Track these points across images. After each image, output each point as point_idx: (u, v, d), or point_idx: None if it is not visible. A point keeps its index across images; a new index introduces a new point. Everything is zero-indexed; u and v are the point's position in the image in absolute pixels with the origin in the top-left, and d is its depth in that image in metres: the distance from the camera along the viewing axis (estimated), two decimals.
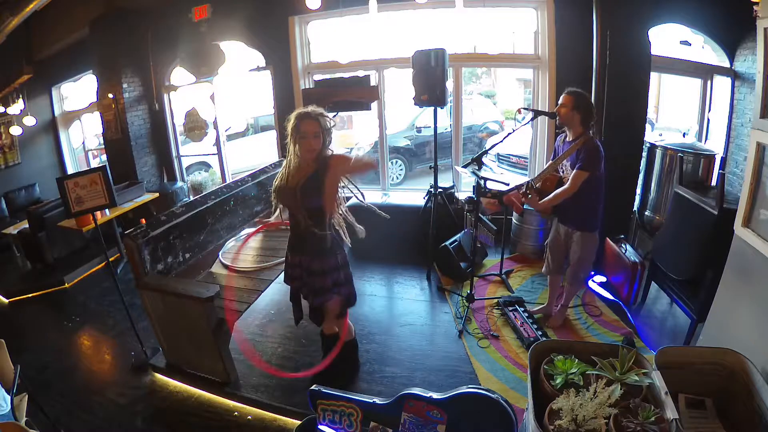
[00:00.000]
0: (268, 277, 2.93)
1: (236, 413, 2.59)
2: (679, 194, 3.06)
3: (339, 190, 2.24)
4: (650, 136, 4.08)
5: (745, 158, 2.58)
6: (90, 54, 5.40)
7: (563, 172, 2.76)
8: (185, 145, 6.30)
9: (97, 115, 5.75)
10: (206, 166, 7.09)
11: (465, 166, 3.06)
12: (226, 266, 3.15)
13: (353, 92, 4.01)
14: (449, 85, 4.01)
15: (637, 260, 3.26)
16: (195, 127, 5.45)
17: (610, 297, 3.38)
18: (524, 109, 2.96)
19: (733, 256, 2.29)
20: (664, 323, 3.19)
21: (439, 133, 3.81)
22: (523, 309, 3.19)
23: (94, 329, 3.62)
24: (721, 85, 4.11)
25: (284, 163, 2.27)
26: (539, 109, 3.81)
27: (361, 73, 4.45)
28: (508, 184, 3.01)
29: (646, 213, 3.85)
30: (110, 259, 3.26)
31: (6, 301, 4.18)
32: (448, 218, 4.10)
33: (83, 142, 7.04)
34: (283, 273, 2.57)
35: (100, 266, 4.59)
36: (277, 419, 2.51)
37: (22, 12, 4.29)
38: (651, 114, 6.65)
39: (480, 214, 3.53)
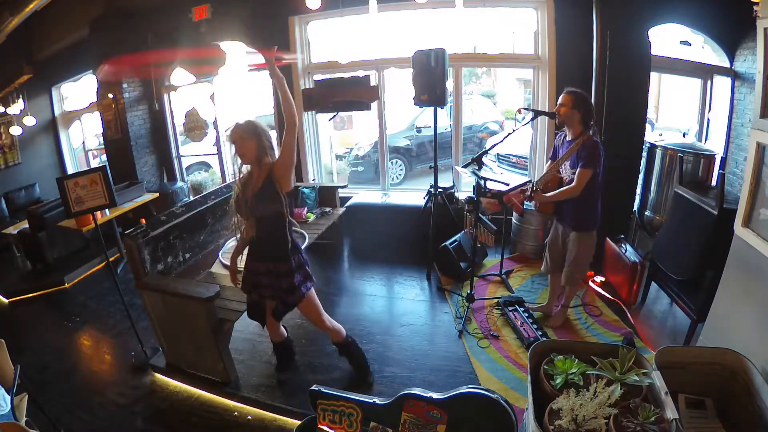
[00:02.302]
0: None
1: (236, 413, 2.59)
2: (679, 194, 3.06)
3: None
4: (650, 136, 4.08)
5: (745, 158, 2.57)
6: (90, 54, 5.41)
7: (563, 172, 2.77)
8: (185, 145, 6.30)
9: (97, 115, 5.75)
10: (206, 166, 7.09)
11: (465, 166, 3.06)
12: (226, 266, 3.14)
13: (353, 92, 4.02)
14: (449, 85, 4.01)
15: (637, 260, 3.26)
16: (195, 127, 5.45)
17: (610, 297, 3.39)
18: (524, 109, 2.97)
19: (733, 256, 2.29)
20: (664, 323, 3.19)
21: (439, 133, 3.82)
22: (523, 309, 3.19)
23: (94, 329, 3.62)
24: (721, 85, 4.11)
25: (236, 180, 2.30)
26: (539, 109, 3.81)
27: (361, 73, 4.45)
28: (508, 184, 3.01)
29: (646, 213, 3.85)
30: (110, 259, 3.25)
31: (6, 301, 4.18)
32: (448, 218, 4.10)
33: (83, 142, 7.04)
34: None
35: (100, 266, 4.59)
36: (277, 419, 2.51)
37: (22, 12, 4.29)
38: (651, 114, 6.65)
39: (480, 214, 3.53)
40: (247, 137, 2.13)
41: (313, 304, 2.44)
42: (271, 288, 2.34)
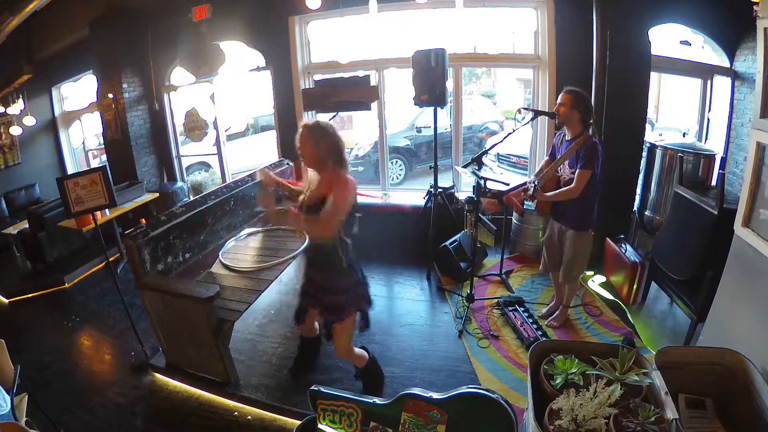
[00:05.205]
0: (268, 277, 2.92)
1: (236, 413, 2.59)
2: (679, 194, 3.06)
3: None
4: (650, 136, 4.08)
5: (745, 158, 2.57)
6: (90, 54, 5.40)
7: (561, 171, 2.77)
8: (185, 145, 6.29)
9: (97, 115, 5.74)
10: (206, 166, 7.09)
11: (465, 166, 3.06)
12: (226, 266, 3.15)
13: (353, 92, 4.01)
14: (449, 85, 4.01)
15: (637, 260, 3.26)
16: (195, 127, 5.44)
17: (610, 297, 3.39)
18: (524, 109, 2.97)
19: (733, 256, 2.29)
20: (664, 323, 3.19)
21: (439, 133, 3.82)
22: (523, 309, 3.19)
23: (94, 329, 3.62)
24: (721, 85, 4.11)
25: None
26: (539, 109, 3.81)
27: (361, 73, 4.45)
28: (508, 184, 3.01)
29: (646, 213, 3.85)
30: (110, 259, 3.26)
31: (6, 301, 4.18)
32: (448, 218, 4.10)
33: (83, 142, 7.04)
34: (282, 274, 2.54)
35: (100, 266, 4.59)
36: (277, 419, 2.51)
37: (22, 12, 4.28)
38: (651, 114, 6.65)
39: (480, 214, 3.53)
40: (307, 139, 2.01)
41: (345, 330, 2.31)
42: (315, 299, 2.33)
